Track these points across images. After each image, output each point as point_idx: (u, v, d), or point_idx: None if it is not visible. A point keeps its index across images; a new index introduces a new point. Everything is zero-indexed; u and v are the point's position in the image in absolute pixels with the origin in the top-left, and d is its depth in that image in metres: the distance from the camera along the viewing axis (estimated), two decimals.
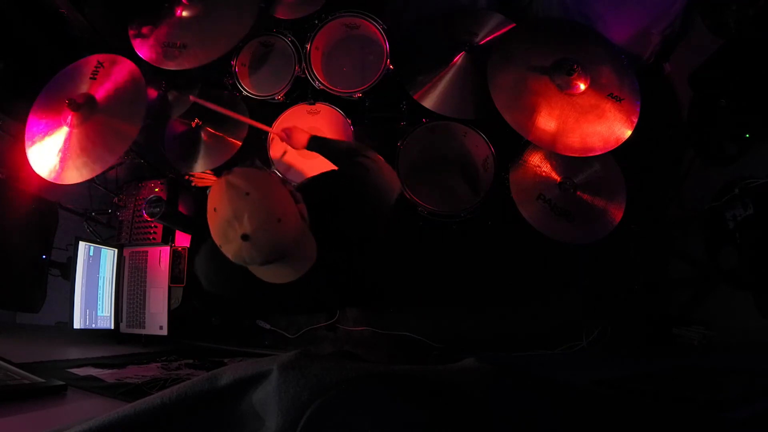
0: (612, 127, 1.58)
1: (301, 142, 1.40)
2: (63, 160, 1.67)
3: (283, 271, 0.98)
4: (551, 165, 1.81)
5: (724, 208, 1.68)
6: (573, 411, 0.64)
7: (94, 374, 1.49)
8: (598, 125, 1.58)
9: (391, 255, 1.30)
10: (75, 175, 1.64)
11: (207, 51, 1.78)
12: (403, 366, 0.66)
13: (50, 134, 1.71)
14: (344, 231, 1.08)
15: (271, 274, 1.00)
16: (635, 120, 1.58)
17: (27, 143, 1.73)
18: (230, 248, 0.88)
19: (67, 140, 1.68)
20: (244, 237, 0.85)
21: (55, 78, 1.82)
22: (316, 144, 1.38)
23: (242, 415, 0.64)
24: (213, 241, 1.09)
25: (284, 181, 0.97)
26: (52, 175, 1.66)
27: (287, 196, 0.92)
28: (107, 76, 1.75)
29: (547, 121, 1.58)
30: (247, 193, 0.86)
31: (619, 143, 1.57)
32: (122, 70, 1.75)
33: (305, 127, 1.97)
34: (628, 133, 1.58)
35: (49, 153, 1.69)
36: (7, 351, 1.47)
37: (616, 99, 1.60)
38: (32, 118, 1.76)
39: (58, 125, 1.71)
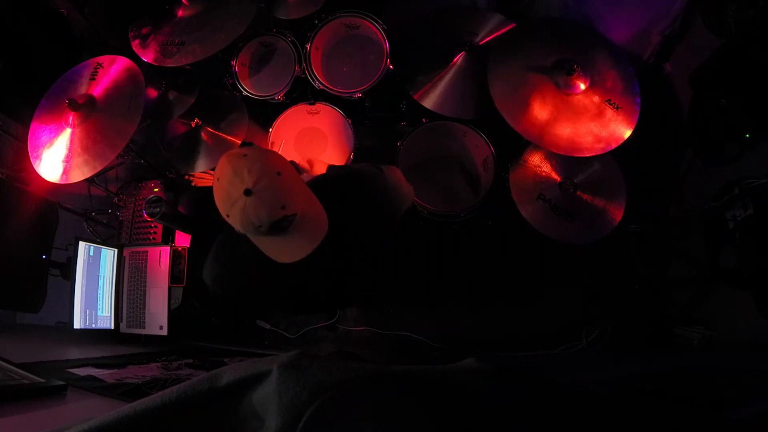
0: (612, 127, 1.58)
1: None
2: (67, 160, 1.67)
3: (296, 242, 0.92)
4: (551, 165, 1.80)
5: (724, 208, 1.68)
6: (573, 411, 0.64)
7: (94, 374, 1.49)
8: (598, 125, 1.58)
9: (391, 255, 1.30)
10: (77, 174, 1.64)
11: (204, 47, 1.78)
12: (404, 366, 0.66)
13: (55, 139, 1.71)
14: (350, 233, 1.07)
15: (285, 249, 0.92)
16: (635, 120, 1.58)
17: (32, 153, 1.72)
18: (236, 212, 0.85)
19: (70, 141, 1.69)
20: (247, 192, 0.83)
21: (55, 85, 1.82)
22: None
23: (242, 415, 0.64)
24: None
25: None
26: (62, 178, 1.66)
27: (287, 163, 0.92)
28: (106, 75, 1.75)
29: (547, 122, 1.58)
30: (245, 155, 0.87)
31: (619, 143, 1.57)
32: (120, 67, 1.76)
33: (306, 126, 1.99)
34: (628, 133, 1.57)
35: (55, 158, 1.70)
36: (7, 351, 1.47)
37: (616, 100, 1.60)
38: (35, 125, 1.76)
39: (61, 129, 1.72)
